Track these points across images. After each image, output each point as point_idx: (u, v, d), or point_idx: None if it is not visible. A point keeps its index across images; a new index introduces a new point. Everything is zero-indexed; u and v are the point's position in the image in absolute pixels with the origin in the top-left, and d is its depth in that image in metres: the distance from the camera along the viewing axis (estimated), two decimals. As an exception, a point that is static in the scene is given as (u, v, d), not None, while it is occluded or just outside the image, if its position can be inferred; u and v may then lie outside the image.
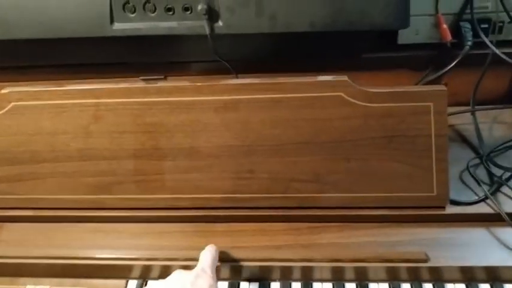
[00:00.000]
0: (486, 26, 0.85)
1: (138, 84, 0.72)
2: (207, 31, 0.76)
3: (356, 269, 0.73)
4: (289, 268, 0.74)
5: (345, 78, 0.68)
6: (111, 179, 0.77)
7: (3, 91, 0.74)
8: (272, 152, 0.73)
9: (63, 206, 0.80)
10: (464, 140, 0.86)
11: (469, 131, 0.86)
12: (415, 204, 0.74)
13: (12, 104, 0.74)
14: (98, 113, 0.73)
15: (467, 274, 0.72)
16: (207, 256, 0.70)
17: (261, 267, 0.75)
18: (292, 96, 0.69)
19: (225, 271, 0.76)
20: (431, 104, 0.68)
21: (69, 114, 0.74)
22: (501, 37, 0.86)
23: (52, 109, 0.74)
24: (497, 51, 0.83)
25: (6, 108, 0.74)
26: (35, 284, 0.78)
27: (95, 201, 0.79)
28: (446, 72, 0.86)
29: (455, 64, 0.83)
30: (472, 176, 0.79)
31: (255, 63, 0.84)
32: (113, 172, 0.77)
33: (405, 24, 0.76)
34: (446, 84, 0.91)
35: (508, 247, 0.72)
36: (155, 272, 0.77)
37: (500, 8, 0.83)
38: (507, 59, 0.83)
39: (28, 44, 0.82)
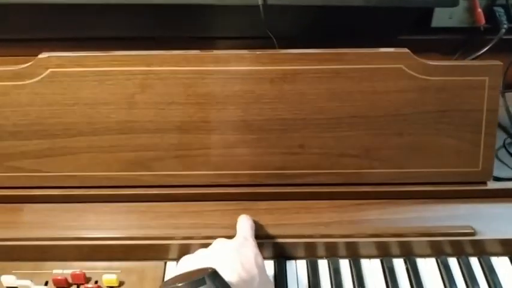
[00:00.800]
0: (521, 11, 0.88)
1: (193, 51, 0.68)
2: (260, 1, 0.74)
3: (401, 243, 0.73)
4: (335, 244, 0.73)
5: (406, 50, 0.68)
6: (151, 154, 0.73)
7: (40, 56, 0.68)
8: (325, 126, 0.72)
9: (95, 184, 0.75)
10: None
11: (500, 112, 0.89)
12: (459, 180, 0.76)
13: (50, 70, 0.68)
14: (146, 81, 0.69)
15: (510, 247, 0.74)
16: (246, 224, 0.69)
17: (306, 243, 0.73)
18: (353, 68, 0.69)
19: (269, 250, 0.74)
20: (486, 78, 0.69)
21: (114, 82, 0.69)
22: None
23: (95, 77, 0.68)
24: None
25: (43, 75, 0.68)
26: (62, 269, 0.73)
27: (130, 178, 0.75)
28: (479, 56, 0.88)
29: (488, 49, 0.86)
30: (509, 153, 0.81)
31: (296, 42, 0.82)
32: (154, 147, 0.73)
33: (455, 1, 0.77)
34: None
35: (545, 219, 0.75)
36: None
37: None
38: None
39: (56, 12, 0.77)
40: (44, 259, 0.73)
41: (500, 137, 0.84)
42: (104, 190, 0.76)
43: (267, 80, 0.69)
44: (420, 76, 0.69)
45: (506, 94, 0.88)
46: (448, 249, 0.75)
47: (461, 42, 0.89)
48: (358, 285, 0.70)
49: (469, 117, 0.72)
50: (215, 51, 0.68)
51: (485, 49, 0.86)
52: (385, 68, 0.69)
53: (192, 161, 0.74)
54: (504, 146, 0.82)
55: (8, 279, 0.69)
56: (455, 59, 0.88)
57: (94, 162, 0.74)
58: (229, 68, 0.68)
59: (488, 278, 0.72)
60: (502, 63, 0.70)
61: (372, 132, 0.72)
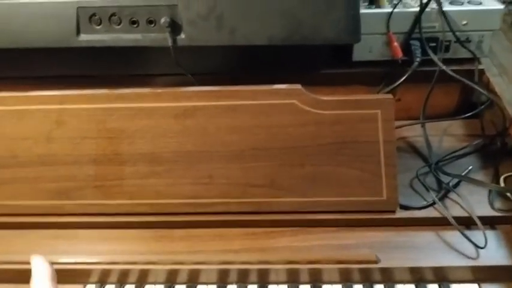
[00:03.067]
0: (434, 44, 0.91)
1: (101, 90, 0.74)
2: (170, 43, 0.80)
3: (310, 270, 0.75)
4: (246, 271, 0.76)
5: (298, 86, 0.72)
6: (71, 185, 0.79)
7: (-36, 96, 0.75)
8: (229, 158, 0.76)
9: (22, 212, 0.81)
10: (415, 150, 0.90)
11: (419, 142, 0.91)
12: (366, 208, 0.78)
13: (-26, 109, 0.75)
14: (60, 118, 0.75)
15: (417, 275, 0.75)
16: (42, 269, 0.62)
17: (218, 270, 0.76)
18: (248, 104, 0.73)
19: (183, 276, 0.77)
20: (378, 111, 0.72)
21: (32, 120, 0.75)
22: (448, 55, 0.92)
23: (14, 115, 0.75)
24: (445, 68, 0.88)
25: (-32, 113, 0.76)
26: (-10, 292, 0.78)
27: (54, 207, 0.80)
28: (398, 87, 0.91)
29: (407, 80, 0.88)
30: (421, 183, 0.83)
31: (217, 77, 0.87)
32: (73, 177, 0.78)
33: (356, 38, 0.81)
34: (399, 100, 0.97)
35: (454, 249, 0.76)
36: (113, 277, 0.78)
37: (447, 28, 0.89)
38: (454, 75, 0.88)
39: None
40: (-26, 283, 0.79)
41: (418, 166, 0.86)
42: (31, 218, 0.81)
43: (171, 115, 0.74)
44: (314, 110, 0.72)
45: (427, 124, 0.90)
46: (356, 277, 0.76)
47: (381, 74, 0.92)
48: (262, 312, 0.73)
49: (366, 149, 0.74)
50: (120, 90, 0.74)
51: (401, 80, 0.88)
52: (280, 104, 0.73)
53: (109, 191, 0.79)
54: (417, 176, 0.84)
55: None
56: (378, 91, 0.91)
57: (20, 192, 0.80)
58: (134, 105, 0.74)
59: (392, 305, 0.73)
60: (392, 97, 0.73)
61: (274, 163, 0.76)
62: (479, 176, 0.85)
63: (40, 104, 0.75)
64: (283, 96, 0.72)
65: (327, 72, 0.92)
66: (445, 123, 0.94)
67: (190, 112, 0.73)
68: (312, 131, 0.73)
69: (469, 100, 0.97)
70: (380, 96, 0.73)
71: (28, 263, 0.78)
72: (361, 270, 0.76)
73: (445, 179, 0.83)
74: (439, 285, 0.76)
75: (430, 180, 0.84)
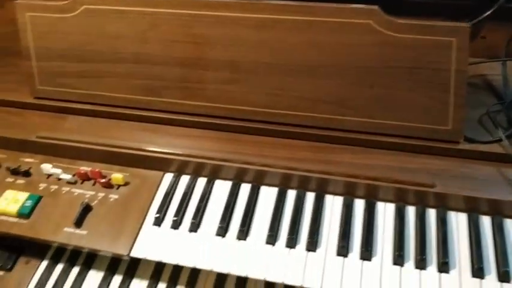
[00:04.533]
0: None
1: (189, -4, 0.81)
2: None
3: (367, 186, 0.81)
4: (307, 178, 0.83)
5: (375, 7, 0.74)
6: (159, 83, 0.88)
7: (77, -6, 0.86)
8: (303, 72, 0.80)
9: (117, 104, 0.93)
10: (491, 88, 0.89)
11: (497, 81, 0.89)
12: (430, 136, 0.80)
13: (84, 7, 0.86)
14: (154, 21, 0.83)
15: (471, 204, 0.78)
16: None
17: (282, 174, 0.84)
18: (326, 20, 0.76)
19: (250, 175, 0.86)
20: (454, 39, 0.72)
21: (131, 20, 0.84)
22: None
23: (116, 14, 0.85)
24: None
25: (79, 10, 0.86)
26: (88, 167, 0.92)
27: (144, 102, 0.91)
28: (484, 25, 0.88)
29: (493, 18, 0.85)
30: (491, 119, 0.82)
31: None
32: (162, 77, 0.87)
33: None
34: (484, 37, 0.94)
35: (513, 185, 0.77)
36: (190, 169, 0.89)
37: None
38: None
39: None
40: (77, 158, 0.93)
41: (492, 103, 0.85)
42: (125, 110, 0.93)
43: (253, 26, 0.79)
44: (389, 33, 0.74)
45: (508, 63, 0.88)
46: (410, 198, 0.81)
47: (466, 7, 0.89)
48: (315, 217, 0.80)
49: (437, 76, 0.75)
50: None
51: (484, 15, 0.85)
52: (356, 23, 0.75)
53: (192, 93, 0.88)
54: (488, 113, 0.83)
55: (46, 167, 0.91)
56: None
57: (117, 85, 0.91)
58: (219, 14, 0.80)
59: (439, 227, 0.77)
60: (469, 26, 0.72)
61: (344, 82, 0.79)
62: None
63: (137, 6, 0.83)
64: (360, 15, 0.74)
65: (412, 1, 0.91)
66: (529, 64, 0.91)
67: (270, 24, 0.78)
68: (385, 53, 0.75)
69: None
70: (456, 23, 0.72)
71: (123, 147, 0.91)
72: (416, 192, 0.79)
73: (517, 118, 0.82)
74: (492, 218, 0.78)
75: (501, 119, 0.83)
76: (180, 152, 0.88)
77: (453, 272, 0.73)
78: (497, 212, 0.78)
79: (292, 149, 0.86)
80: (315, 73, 0.80)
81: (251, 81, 0.83)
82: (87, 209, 0.86)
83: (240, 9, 0.79)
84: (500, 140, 0.80)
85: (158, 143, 0.90)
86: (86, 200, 0.87)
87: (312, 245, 0.78)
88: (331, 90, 0.80)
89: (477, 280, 0.72)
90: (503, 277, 0.72)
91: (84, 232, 0.84)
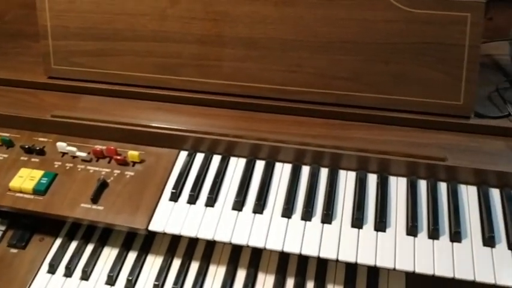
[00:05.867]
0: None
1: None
2: None
3: (379, 160, 0.83)
4: (321, 153, 0.85)
5: (392, -18, 0.77)
6: (176, 61, 0.90)
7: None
8: (319, 48, 0.83)
9: (134, 82, 0.94)
10: (499, 67, 0.92)
11: (505, 60, 0.93)
12: (442, 111, 0.83)
13: (103, -16, 0.87)
14: (174, -3, 0.85)
15: (480, 177, 0.81)
16: None
17: (296, 150, 0.86)
18: (343, -4, 0.78)
19: (265, 151, 0.88)
20: (468, 14, 0.75)
21: (150, -3, 0.86)
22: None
23: (136, -10, 0.86)
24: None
25: (98, -12, 0.88)
26: (102, 145, 0.93)
27: (161, 80, 0.92)
28: (492, 6, 0.91)
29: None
30: (500, 96, 0.85)
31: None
32: (179, 55, 0.89)
33: None
34: (491, 19, 0.98)
35: (523, 159, 0.80)
36: (205, 146, 0.90)
37: None
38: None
39: None
40: (91, 137, 0.94)
41: (501, 81, 0.89)
42: (140, 89, 0.95)
43: (271, 2, 0.82)
44: (405, 8, 0.77)
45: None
46: (422, 172, 0.83)
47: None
48: (329, 190, 0.82)
49: (451, 52, 0.78)
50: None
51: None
52: (373, -1, 0.78)
53: (208, 71, 0.89)
54: (497, 89, 0.86)
55: (61, 145, 0.91)
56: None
57: (134, 63, 0.92)
58: (239, -10, 0.82)
59: (450, 199, 0.80)
60: (484, 1, 0.75)
61: (360, 58, 0.82)
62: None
63: (158, -17, 0.85)
64: (378, -9, 0.77)
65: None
66: (534, 45, 0.94)
67: (290, 1, 0.80)
68: (401, 28, 0.78)
69: None
70: None
71: (138, 125, 0.92)
72: (427, 165, 0.82)
73: (524, 96, 0.86)
74: (501, 191, 0.81)
75: (509, 95, 0.86)
76: (195, 129, 0.90)
77: (465, 242, 0.76)
78: (505, 184, 0.80)
79: (306, 126, 0.88)
80: (332, 49, 0.82)
81: (267, 59, 0.85)
82: (103, 185, 0.87)
83: (260, -15, 0.81)
84: (508, 115, 0.83)
85: (173, 121, 0.92)
86: (102, 177, 0.88)
87: (328, 217, 0.80)
88: (347, 67, 0.83)
89: (488, 249, 0.75)
90: (513, 245, 0.74)
91: (101, 208, 0.84)
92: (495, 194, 0.81)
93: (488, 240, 0.75)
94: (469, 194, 0.81)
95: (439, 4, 0.76)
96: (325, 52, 0.83)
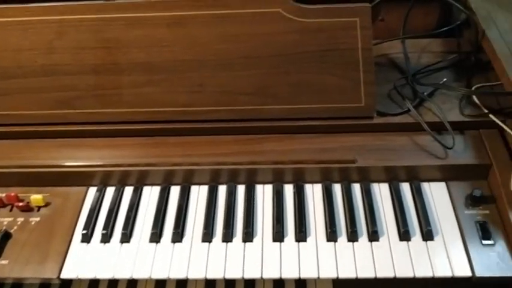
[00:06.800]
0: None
1: (97, 1, 0.79)
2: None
3: (294, 170, 0.83)
4: (236, 171, 0.84)
5: (282, -5, 0.77)
6: (72, 94, 0.85)
7: (-29, 8, 0.80)
8: (219, 66, 0.81)
9: (30, 121, 0.88)
10: (394, 65, 0.96)
11: (399, 58, 0.96)
12: (346, 115, 0.84)
13: (-20, 20, 0.81)
14: (61, 29, 0.80)
15: (391, 174, 0.83)
16: None
17: (211, 170, 0.84)
18: (235, 12, 0.78)
19: (179, 176, 0.85)
20: (357, 19, 0.77)
21: (34, 31, 0.80)
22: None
23: (17, 26, 0.80)
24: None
25: (-26, 25, 0.81)
26: (3, 192, 0.86)
27: (58, 116, 0.87)
28: (382, 7, 0.95)
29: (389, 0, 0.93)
30: (398, 93, 0.89)
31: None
32: (74, 87, 0.84)
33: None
34: (383, 20, 1.02)
35: (426, 151, 0.83)
36: (114, 179, 0.86)
37: None
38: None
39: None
40: (-11, 184, 0.86)
41: (397, 78, 0.92)
42: (38, 127, 0.88)
43: (164, 25, 0.79)
44: (297, 19, 0.77)
45: (406, 40, 0.96)
46: (335, 176, 0.84)
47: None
48: (248, 205, 0.81)
49: (346, 56, 0.80)
50: (116, 1, 0.79)
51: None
52: (265, 12, 0.78)
53: (109, 100, 0.85)
54: (395, 87, 0.90)
55: (-46, 197, 0.83)
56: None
57: (27, 101, 0.86)
58: (129, 15, 0.79)
59: (365, 199, 0.81)
60: (370, 5, 0.78)
61: (261, 71, 0.81)
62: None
63: (40, 15, 0.80)
64: (268, 4, 0.77)
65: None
66: (424, 41, 0.99)
67: (181, 21, 0.78)
68: (296, 39, 0.79)
69: (448, 20, 1.02)
70: (358, 4, 0.78)
71: (39, 166, 0.86)
72: (340, 169, 0.83)
73: (420, 90, 0.89)
74: (411, 184, 0.83)
75: (407, 91, 0.90)
76: (102, 163, 0.85)
77: (382, 240, 0.77)
78: (414, 177, 0.83)
79: (217, 145, 0.86)
80: (232, 66, 0.81)
81: (168, 81, 0.83)
82: (6, 236, 0.80)
83: (149, 8, 0.79)
84: (409, 111, 0.86)
85: (77, 157, 0.86)
86: (4, 227, 0.81)
87: (248, 235, 0.78)
88: (249, 81, 0.82)
89: (404, 243, 0.77)
90: (427, 236, 0.77)
91: (5, 262, 0.77)
92: (405, 188, 0.83)
93: (404, 235, 0.77)
94: (381, 192, 0.83)
95: (329, 12, 0.77)
96: (226, 69, 0.82)
